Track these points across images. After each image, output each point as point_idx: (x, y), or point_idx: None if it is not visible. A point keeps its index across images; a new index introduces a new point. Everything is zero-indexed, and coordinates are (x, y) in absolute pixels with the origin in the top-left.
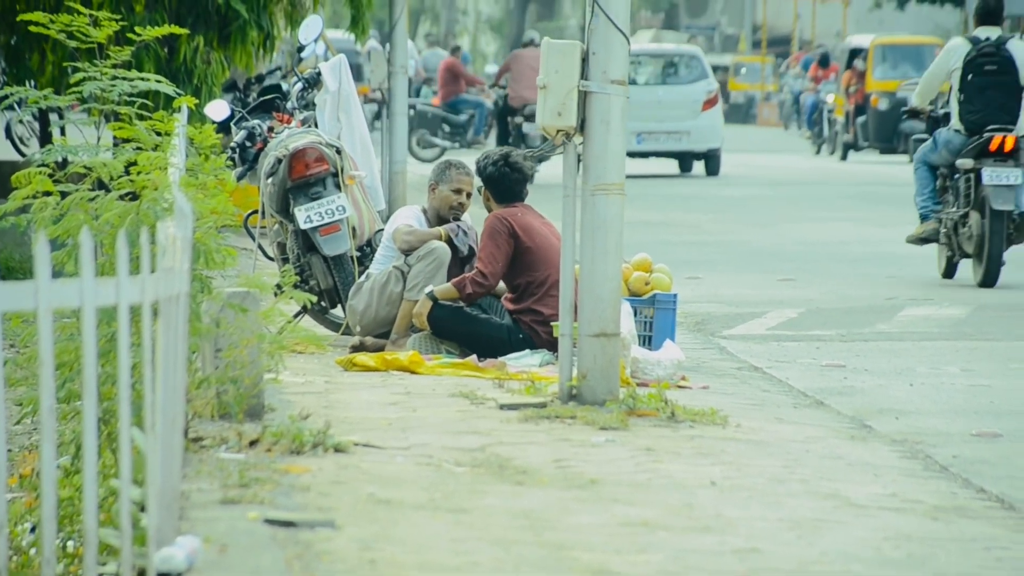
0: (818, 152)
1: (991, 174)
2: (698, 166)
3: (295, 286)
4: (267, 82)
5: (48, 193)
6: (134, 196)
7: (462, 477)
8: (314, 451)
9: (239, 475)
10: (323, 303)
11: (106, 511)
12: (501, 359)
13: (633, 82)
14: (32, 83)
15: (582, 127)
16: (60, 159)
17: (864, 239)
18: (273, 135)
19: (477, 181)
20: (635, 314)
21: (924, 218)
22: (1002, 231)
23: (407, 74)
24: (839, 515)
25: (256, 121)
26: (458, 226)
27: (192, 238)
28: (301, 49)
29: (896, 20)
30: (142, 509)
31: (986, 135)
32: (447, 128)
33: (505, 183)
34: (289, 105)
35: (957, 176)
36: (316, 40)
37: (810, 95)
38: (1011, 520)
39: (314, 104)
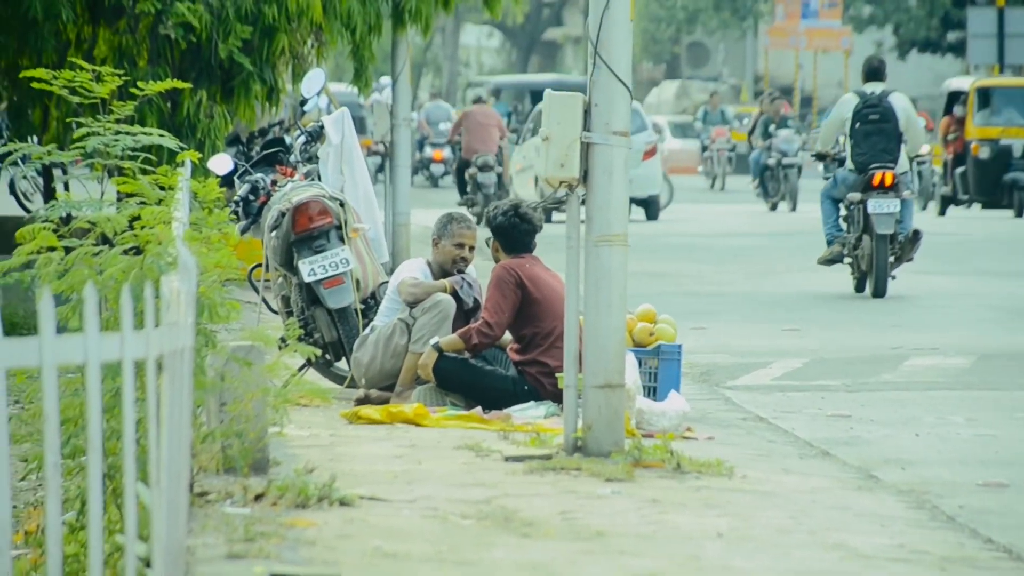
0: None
1: (875, 204)
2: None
3: (299, 339)
4: (270, 135)
5: (52, 248)
6: (138, 251)
7: (468, 529)
8: (320, 504)
9: (245, 529)
10: (327, 356)
11: (112, 567)
12: (506, 411)
13: None
14: (35, 139)
15: (585, 178)
16: (64, 214)
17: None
18: (276, 188)
19: (486, 232)
20: (640, 365)
21: (830, 243)
22: (886, 251)
23: (410, 127)
24: (846, 566)
25: (259, 175)
26: (463, 278)
27: (196, 292)
28: (304, 102)
29: (897, 70)
30: (148, 565)
31: (870, 172)
32: None
33: (515, 234)
34: (292, 158)
35: (851, 207)
36: (319, 93)
37: None
38: (1019, 571)
39: (317, 157)
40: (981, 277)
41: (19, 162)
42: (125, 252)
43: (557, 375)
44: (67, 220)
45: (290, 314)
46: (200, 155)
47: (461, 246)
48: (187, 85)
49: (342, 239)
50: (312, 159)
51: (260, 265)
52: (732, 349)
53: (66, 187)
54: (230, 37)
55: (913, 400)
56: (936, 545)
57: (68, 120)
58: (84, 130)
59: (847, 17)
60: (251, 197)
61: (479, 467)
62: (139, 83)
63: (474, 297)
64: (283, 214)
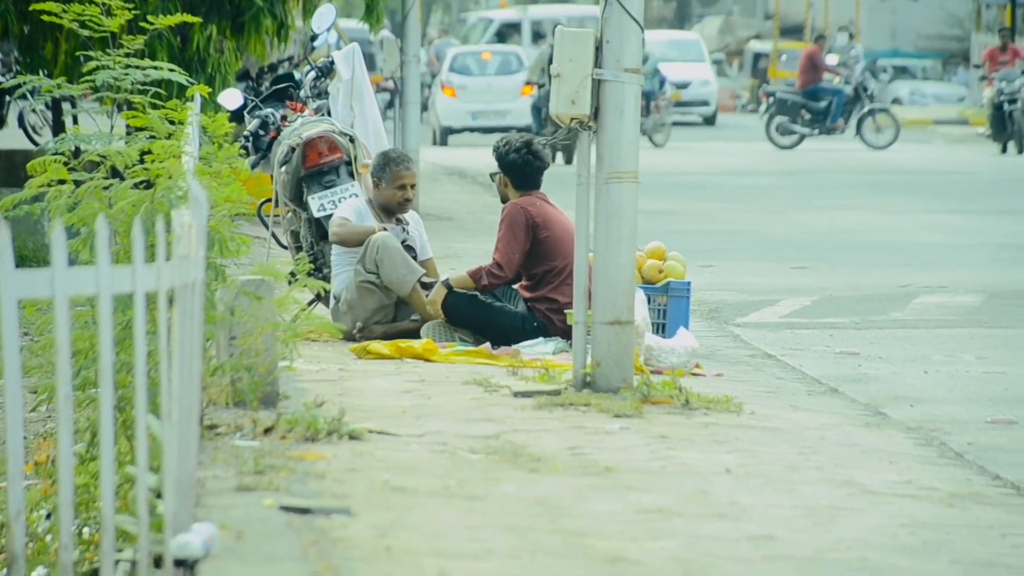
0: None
1: None
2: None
3: (309, 274)
4: (280, 71)
5: (63, 181)
6: (148, 184)
7: (477, 464)
8: (329, 438)
9: (254, 462)
10: None
11: (122, 498)
12: (515, 347)
13: (470, 73)
14: (45, 72)
15: (596, 115)
16: (73, 148)
17: (876, 227)
18: (286, 124)
19: (493, 167)
20: (649, 302)
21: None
22: None
23: (419, 63)
24: (854, 502)
25: (269, 110)
26: (398, 223)
27: (207, 226)
28: (314, 38)
29: (909, 9)
30: (158, 496)
31: None
32: (807, 115)
33: (527, 170)
34: (302, 94)
35: None
36: (329, 29)
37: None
38: None
39: (327, 93)
40: (991, 216)
41: (28, 95)
42: (136, 186)
43: (566, 311)
44: (76, 154)
45: (299, 249)
46: (210, 90)
47: (403, 188)
48: (197, 19)
49: (352, 175)
50: (322, 95)
51: (270, 200)
52: (741, 287)
53: (75, 120)
54: None
55: (922, 338)
56: (944, 481)
57: (78, 53)
58: (94, 64)
59: None
60: (261, 132)
61: (488, 402)
62: (149, 17)
63: (408, 241)
64: (293, 149)
